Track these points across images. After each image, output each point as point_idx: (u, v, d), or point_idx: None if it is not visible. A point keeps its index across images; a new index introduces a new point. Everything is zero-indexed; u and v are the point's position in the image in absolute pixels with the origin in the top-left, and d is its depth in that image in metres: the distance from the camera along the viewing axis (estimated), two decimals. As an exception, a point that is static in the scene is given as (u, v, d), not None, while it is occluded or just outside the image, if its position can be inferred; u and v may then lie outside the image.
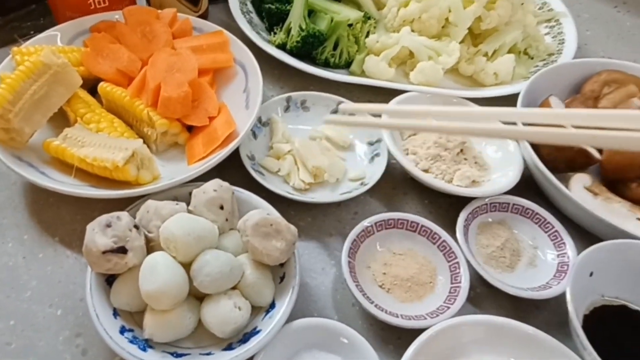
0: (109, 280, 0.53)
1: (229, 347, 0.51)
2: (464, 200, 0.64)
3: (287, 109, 0.76)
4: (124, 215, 0.52)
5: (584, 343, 0.49)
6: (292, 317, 0.52)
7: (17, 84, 0.61)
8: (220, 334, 0.50)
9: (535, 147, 0.66)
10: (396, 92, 0.75)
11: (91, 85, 0.71)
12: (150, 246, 0.53)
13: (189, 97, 0.67)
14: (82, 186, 0.62)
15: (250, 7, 0.91)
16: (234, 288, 0.52)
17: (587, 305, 0.56)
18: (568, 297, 0.52)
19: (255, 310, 0.54)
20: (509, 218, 0.65)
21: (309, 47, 0.81)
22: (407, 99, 0.73)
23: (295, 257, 0.55)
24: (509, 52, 0.85)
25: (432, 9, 0.81)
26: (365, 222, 0.61)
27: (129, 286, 0.51)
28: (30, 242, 0.62)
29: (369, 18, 0.88)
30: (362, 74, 0.83)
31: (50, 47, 0.68)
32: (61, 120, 0.67)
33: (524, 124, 0.51)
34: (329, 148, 0.72)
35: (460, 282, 0.57)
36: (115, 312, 0.52)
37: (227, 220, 0.56)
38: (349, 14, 0.84)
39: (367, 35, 0.86)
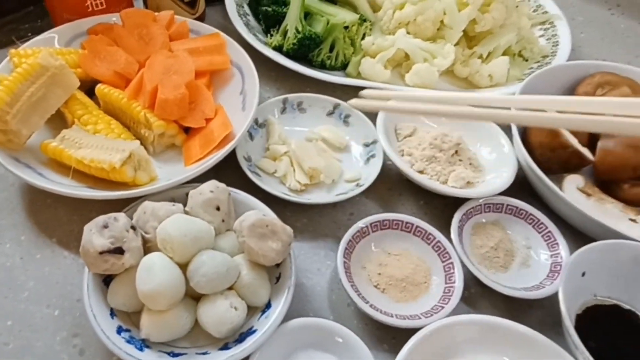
0: (106, 280, 0.53)
1: (225, 347, 0.51)
2: (458, 201, 0.65)
3: (283, 110, 0.76)
4: (121, 216, 0.52)
5: (576, 342, 0.49)
6: (287, 317, 0.52)
7: (15, 86, 0.61)
8: (216, 333, 0.51)
9: (529, 148, 0.67)
10: (392, 94, 0.75)
11: (88, 87, 0.71)
12: (147, 247, 0.54)
13: (186, 99, 0.67)
14: (79, 187, 0.62)
15: (247, 9, 0.91)
16: (230, 288, 0.53)
17: (580, 305, 0.57)
18: (561, 296, 0.52)
19: (251, 310, 0.54)
20: (503, 219, 0.66)
21: (306, 49, 0.82)
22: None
23: (291, 258, 0.55)
24: (504, 54, 0.85)
25: (427, 11, 0.82)
26: (361, 223, 0.61)
27: (126, 287, 0.51)
28: (27, 243, 0.62)
29: (364, 20, 0.88)
30: (358, 75, 0.83)
31: (47, 49, 0.68)
32: (59, 121, 0.67)
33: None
34: (325, 149, 0.72)
35: (454, 282, 0.58)
36: (112, 313, 0.52)
37: (223, 221, 0.56)
38: (345, 16, 0.85)
39: (363, 38, 0.86)
